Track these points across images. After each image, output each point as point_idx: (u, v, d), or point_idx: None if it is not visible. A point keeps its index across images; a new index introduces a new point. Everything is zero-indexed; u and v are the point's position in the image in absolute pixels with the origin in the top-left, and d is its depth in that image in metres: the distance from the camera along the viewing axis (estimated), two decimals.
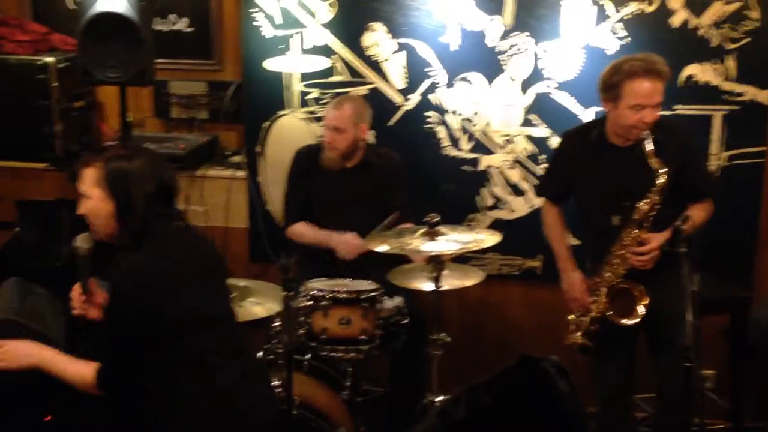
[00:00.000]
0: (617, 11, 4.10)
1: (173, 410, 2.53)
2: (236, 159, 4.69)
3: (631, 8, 4.08)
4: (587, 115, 4.19)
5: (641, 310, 3.37)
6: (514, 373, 1.39)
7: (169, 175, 2.63)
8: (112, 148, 2.69)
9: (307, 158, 4.13)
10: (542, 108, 4.27)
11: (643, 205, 3.32)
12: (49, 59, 4.51)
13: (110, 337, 2.54)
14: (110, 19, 3.92)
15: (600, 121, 3.50)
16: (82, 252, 2.67)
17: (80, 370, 2.53)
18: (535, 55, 4.21)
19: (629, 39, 4.11)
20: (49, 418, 3.20)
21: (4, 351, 2.57)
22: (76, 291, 2.71)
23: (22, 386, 2.83)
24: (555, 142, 4.24)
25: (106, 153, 2.58)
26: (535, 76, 4.24)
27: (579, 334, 3.53)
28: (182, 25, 4.71)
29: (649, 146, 3.26)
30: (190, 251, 2.67)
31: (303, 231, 4.10)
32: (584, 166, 3.52)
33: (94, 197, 2.55)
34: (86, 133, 4.86)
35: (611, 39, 4.12)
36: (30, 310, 2.84)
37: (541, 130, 4.29)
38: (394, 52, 4.34)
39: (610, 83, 3.31)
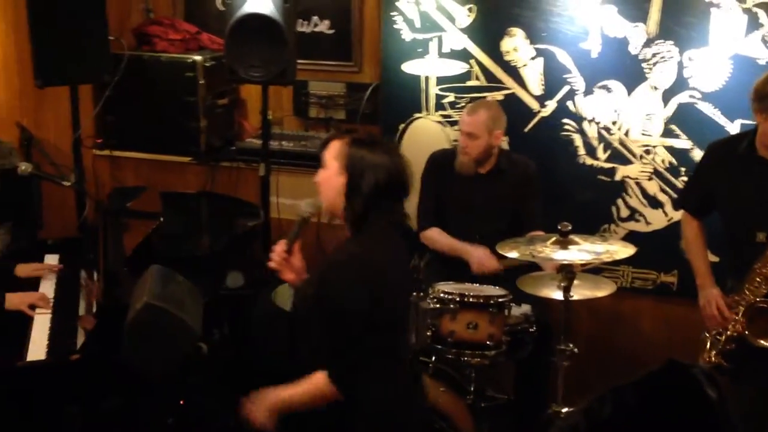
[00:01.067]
0: None
1: (362, 408, 2.58)
2: None
3: None
4: (732, 127, 4.03)
5: None
6: (662, 376, 1.35)
7: (403, 177, 2.65)
8: (365, 132, 2.80)
9: (441, 163, 4.14)
10: (684, 119, 4.14)
11: None
12: (198, 58, 4.71)
13: (335, 329, 2.55)
14: (256, 20, 4.06)
15: (749, 133, 3.36)
16: (304, 214, 2.80)
17: (310, 389, 2.57)
18: (680, 63, 4.09)
19: None
20: (182, 401, 3.34)
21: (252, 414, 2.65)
22: (280, 246, 2.79)
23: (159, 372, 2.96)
24: (697, 154, 4.10)
25: (357, 133, 2.70)
26: (679, 86, 4.11)
27: (714, 353, 3.40)
28: (324, 27, 4.81)
29: None
30: (397, 251, 2.74)
31: (436, 237, 4.10)
32: (730, 178, 3.39)
33: (331, 168, 2.63)
34: (228, 129, 5.05)
35: (762, 49, 3.95)
36: (171, 296, 2.95)
37: (683, 142, 4.16)
38: (532, 58, 4.30)
39: (764, 93, 3.17)
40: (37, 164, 4.37)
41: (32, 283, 3.63)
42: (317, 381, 2.55)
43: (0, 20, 5.09)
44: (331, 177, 2.63)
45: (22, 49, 4.83)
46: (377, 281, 2.55)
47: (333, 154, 2.63)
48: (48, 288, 3.58)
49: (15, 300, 3.38)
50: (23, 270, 3.67)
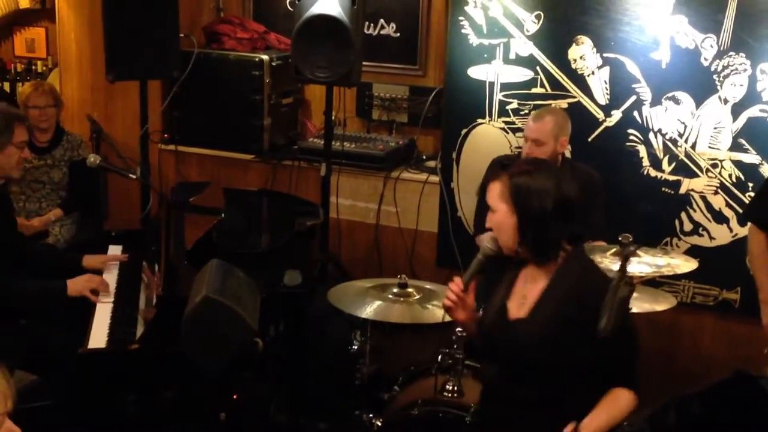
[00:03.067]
0: None
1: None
2: (431, 164, 4.75)
3: None
4: None
5: None
6: (729, 387, 1.34)
7: (571, 193, 2.56)
8: (517, 163, 2.70)
9: (502, 168, 4.10)
10: (754, 133, 4.05)
11: None
12: (265, 57, 4.77)
13: (628, 343, 2.50)
14: (324, 21, 4.09)
15: None
16: (486, 251, 2.62)
17: (623, 408, 2.50)
18: (752, 77, 4.00)
19: None
20: (236, 396, 3.37)
21: None
22: (456, 285, 2.65)
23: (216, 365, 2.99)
24: (766, 169, 4.02)
25: (512, 168, 2.62)
26: (750, 99, 4.02)
27: None
28: (390, 30, 4.83)
29: None
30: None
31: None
32: None
33: (500, 211, 2.57)
34: (292, 128, 5.10)
35: None
36: (229, 291, 2.97)
37: (751, 156, 4.07)
38: (599, 67, 4.25)
39: None
40: (105, 157, 4.46)
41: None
42: (625, 398, 2.49)
43: (76, 16, 5.23)
44: (502, 220, 2.57)
45: (96, 44, 4.95)
46: None
47: (497, 197, 2.59)
48: (110, 278, 3.65)
49: (78, 285, 3.44)
50: (90, 261, 3.75)
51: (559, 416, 2.49)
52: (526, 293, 2.63)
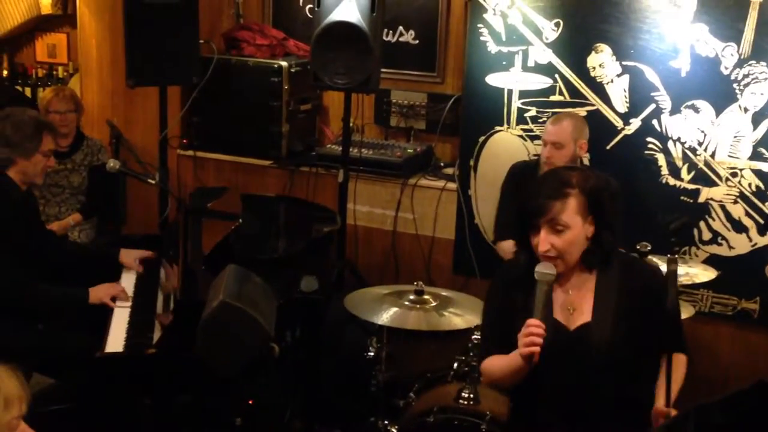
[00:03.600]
0: None
1: None
2: (449, 171, 4.75)
3: None
4: None
5: None
6: (751, 397, 1.32)
7: (616, 188, 2.54)
8: (569, 175, 2.51)
9: (522, 174, 4.11)
10: None
11: None
12: (284, 63, 4.79)
13: (679, 315, 2.60)
14: (343, 27, 4.10)
15: None
16: (548, 278, 2.42)
17: (684, 373, 2.64)
18: None
19: None
20: (251, 401, 3.38)
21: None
22: (537, 326, 2.38)
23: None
24: None
25: (572, 180, 2.47)
26: None
27: None
28: (409, 37, 4.84)
29: None
30: None
31: (511, 249, 4.04)
32: None
33: (575, 227, 2.44)
34: (310, 135, 5.11)
35: None
36: (246, 296, 2.98)
37: None
38: (618, 75, 4.24)
39: None
40: (125, 162, 4.49)
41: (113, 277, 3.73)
42: (684, 362, 2.64)
43: (97, 22, 5.26)
44: (576, 236, 2.45)
45: (116, 50, 4.99)
46: None
47: (573, 213, 2.44)
48: (128, 283, 3.68)
49: (99, 293, 3.49)
50: (126, 257, 3.81)
51: (641, 414, 2.50)
52: (572, 302, 2.55)
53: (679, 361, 2.57)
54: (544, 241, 2.44)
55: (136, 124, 5.27)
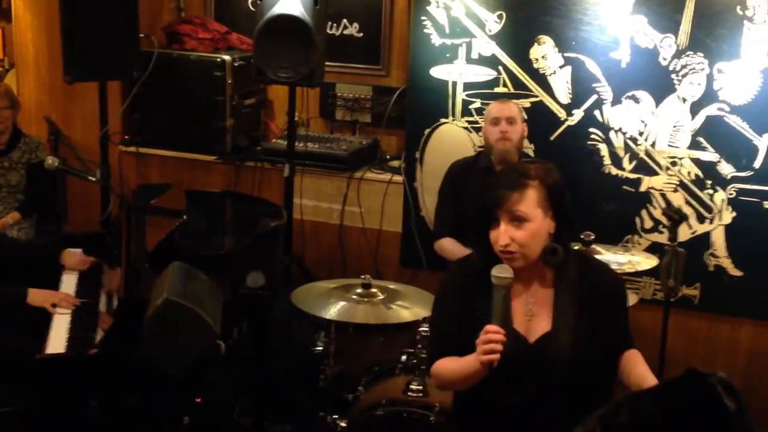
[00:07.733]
0: None
1: None
2: (395, 164, 4.75)
3: None
4: (761, 141, 4.00)
5: None
6: (680, 385, 1.34)
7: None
8: (524, 166, 2.47)
9: (460, 173, 4.08)
10: (712, 131, 4.10)
11: None
12: (227, 57, 4.74)
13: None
14: (286, 21, 4.07)
15: None
16: (505, 282, 2.29)
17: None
18: (709, 76, 4.05)
19: None
20: (199, 399, 3.35)
21: None
22: (496, 332, 2.25)
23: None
24: (723, 167, 4.07)
25: (531, 172, 2.41)
26: (708, 98, 4.07)
27: None
28: (353, 30, 4.82)
29: None
30: None
31: (449, 247, 4.02)
32: None
33: (536, 220, 2.36)
34: (254, 129, 5.07)
35: None
36: (191, 293, 2.95)
37: (710, 155, 4.12)
38: (560, 67, 4.28)
39: None
40: (64, 159, 4.40)
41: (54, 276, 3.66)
42: (639, 354, 2.56)
43: (32, 15, 5.15)
44: (538, 228, 2.36)
45: (53, 44, 4.88)
46: None
47: (533, 205, 2.36)
48: (70, 282, 3.61)
49: (38, 297, 3.41)
50: (70, 260, 3.73)
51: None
52: (531, 308, 2.45)
53: (638, 354, 2.54)
54: (504, 234, 2.35)
55: (75, 120, 5.18)
